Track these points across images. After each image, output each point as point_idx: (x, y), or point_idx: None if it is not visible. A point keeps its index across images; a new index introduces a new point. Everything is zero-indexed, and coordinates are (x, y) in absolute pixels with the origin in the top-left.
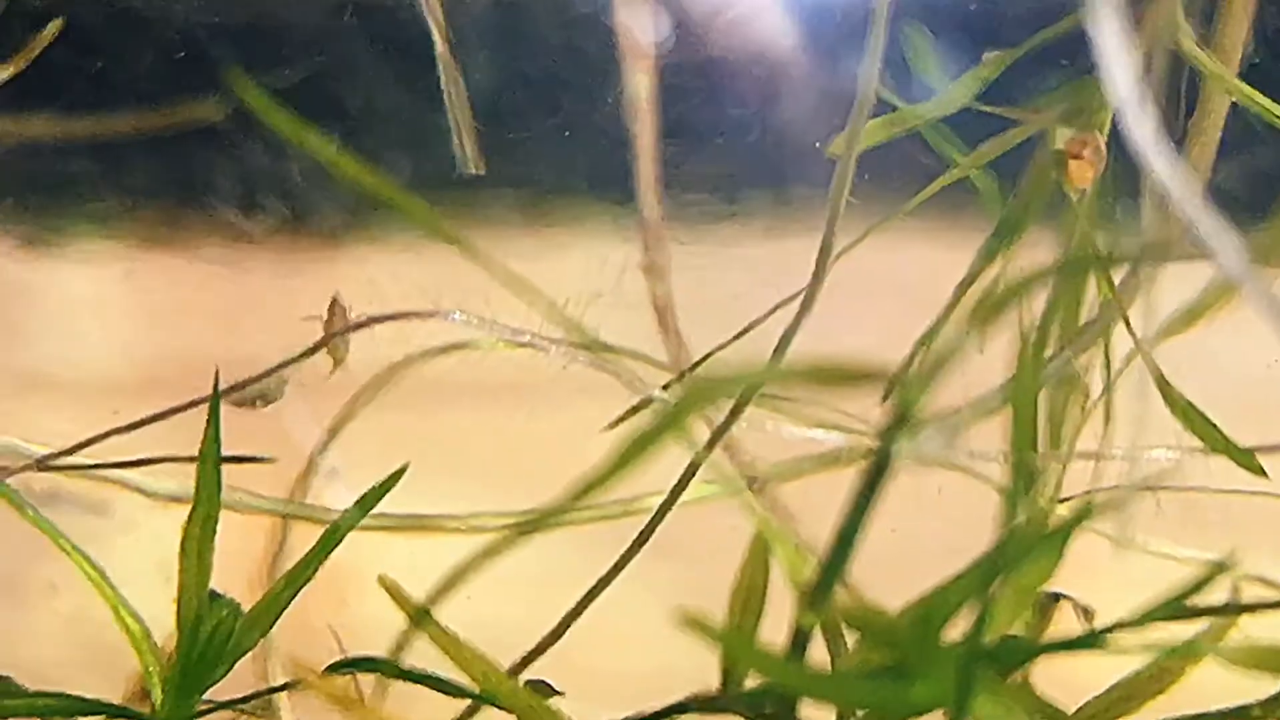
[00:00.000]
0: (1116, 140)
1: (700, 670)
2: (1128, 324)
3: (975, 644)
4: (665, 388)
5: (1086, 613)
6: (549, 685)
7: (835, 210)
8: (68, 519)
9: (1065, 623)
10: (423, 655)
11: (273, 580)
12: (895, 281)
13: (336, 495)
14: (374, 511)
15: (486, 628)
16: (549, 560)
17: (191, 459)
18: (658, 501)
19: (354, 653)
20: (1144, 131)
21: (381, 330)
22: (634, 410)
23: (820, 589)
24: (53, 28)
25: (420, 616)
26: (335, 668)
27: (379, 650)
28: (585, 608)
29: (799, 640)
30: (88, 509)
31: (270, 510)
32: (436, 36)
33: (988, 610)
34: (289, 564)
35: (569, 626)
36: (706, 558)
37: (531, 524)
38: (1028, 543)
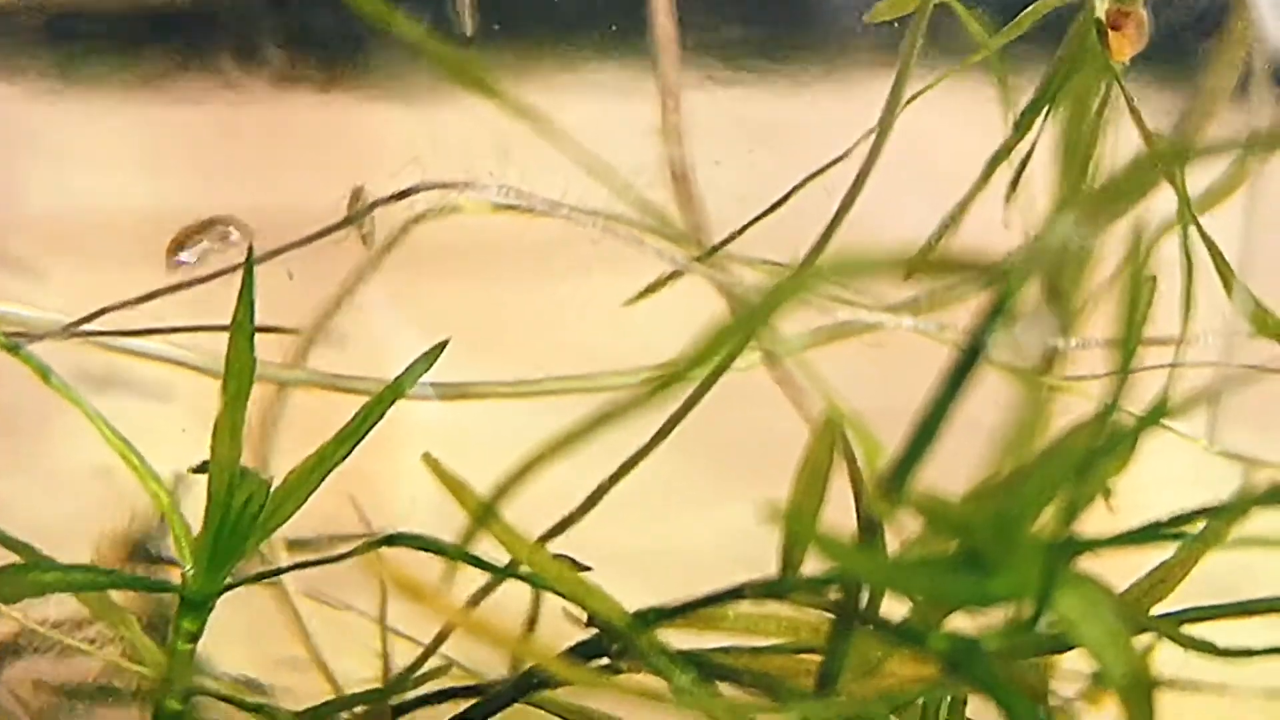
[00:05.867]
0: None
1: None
2: (1189, 209)
3: (1065, 537)
4: (699, 260)
5: (1107, 492)
6: (574, 560)
7: (903, 79)
8: (127, 403)
9: None
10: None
11: (264, 451)
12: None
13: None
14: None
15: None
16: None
17: (223, 328)
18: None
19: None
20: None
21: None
22: (661, 283)
23: (897, 476)
24: None
25: (467, 496)
26: (375, 544)
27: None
28: (617, 481)
29: (868, 528)
30: (148, 395)
31: (306, 382)
32: None
33: (1076, 504)
34: (282, 435)
35: (598, 501)
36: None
37: (626, 405)
38: (1113, 438)
